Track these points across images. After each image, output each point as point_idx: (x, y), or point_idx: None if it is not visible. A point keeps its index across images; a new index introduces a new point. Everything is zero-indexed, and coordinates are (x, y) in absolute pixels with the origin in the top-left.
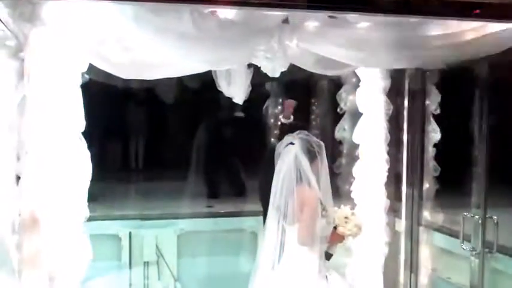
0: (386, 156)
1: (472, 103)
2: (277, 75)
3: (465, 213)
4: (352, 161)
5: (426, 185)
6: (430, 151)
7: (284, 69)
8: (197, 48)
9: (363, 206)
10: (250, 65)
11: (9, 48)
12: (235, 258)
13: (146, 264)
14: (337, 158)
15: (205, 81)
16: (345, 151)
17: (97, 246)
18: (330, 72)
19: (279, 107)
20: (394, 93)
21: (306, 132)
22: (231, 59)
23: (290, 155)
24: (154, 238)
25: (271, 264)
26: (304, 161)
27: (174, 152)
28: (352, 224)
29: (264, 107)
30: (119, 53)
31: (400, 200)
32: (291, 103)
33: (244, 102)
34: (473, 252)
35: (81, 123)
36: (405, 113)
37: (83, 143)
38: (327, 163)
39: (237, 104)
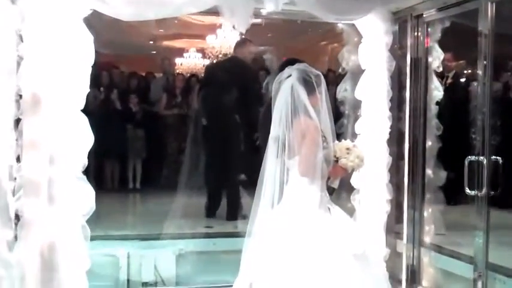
0: (388, 113)
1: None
2: (279, 8)
3: (469, 157)
4: (354, 121)
5: (429, 143)
6: (433, 109)
7: (287, 1)
8: None
9: (365, 163)
10: None
11: None
12: (235, 279)
13: (145, 285)
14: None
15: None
16: (346, 112)
17: (95, 266)
18: (331, 18)
19: None
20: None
21: (305, 64)
22: None
23: (287, 86)
24: (153, 258)
25: (270, 202)
26: (302, 91)
27: (173, 171)
28: (354, 155)
29: (264, 83)
30: None
31: (402, 159)
32: None
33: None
34: (478, 194)
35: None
36: (408, 70)
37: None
38: (327, 96)
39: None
